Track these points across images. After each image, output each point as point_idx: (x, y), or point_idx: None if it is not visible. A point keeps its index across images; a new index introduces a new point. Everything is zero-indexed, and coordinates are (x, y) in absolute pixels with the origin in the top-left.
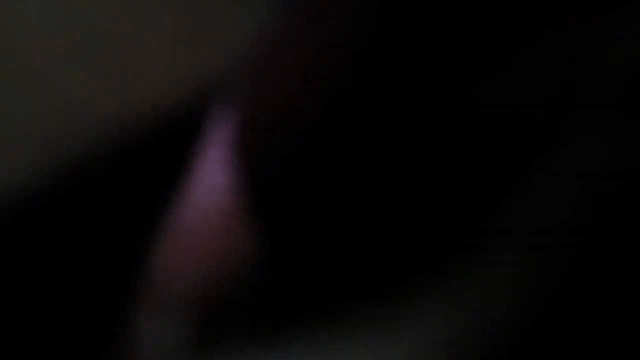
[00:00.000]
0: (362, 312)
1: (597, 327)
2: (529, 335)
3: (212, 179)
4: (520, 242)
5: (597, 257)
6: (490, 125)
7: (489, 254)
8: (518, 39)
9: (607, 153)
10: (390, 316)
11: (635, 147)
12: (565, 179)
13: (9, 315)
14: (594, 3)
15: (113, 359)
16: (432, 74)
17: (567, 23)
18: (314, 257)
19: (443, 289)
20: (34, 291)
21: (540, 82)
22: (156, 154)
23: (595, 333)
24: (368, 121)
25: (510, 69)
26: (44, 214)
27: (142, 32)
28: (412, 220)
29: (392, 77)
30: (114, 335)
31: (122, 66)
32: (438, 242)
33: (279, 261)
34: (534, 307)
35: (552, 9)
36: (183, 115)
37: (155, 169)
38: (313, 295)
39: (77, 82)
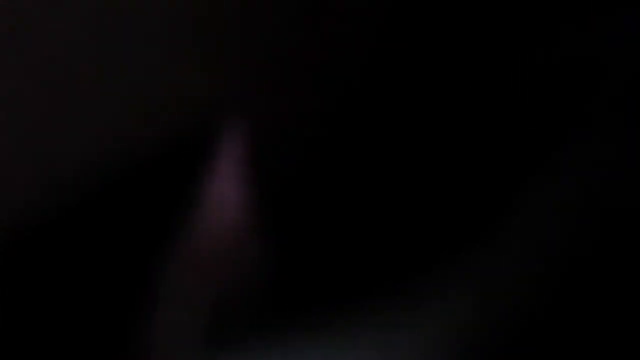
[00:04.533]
0: (367, 311)
1: (597, 326)
2: (530, 333)
3: (224, 192)
4: (522, 241)
5: (597, 257)
6: (491, 126)
7: (491, 253)
8: (520, 41)
9: (607, 154)
10: (394, 315)
11: (635, 149)
12: (566, 180)
13: (32, 313)
14: (594, 6)
15: (132, 349)
16: (434, 77)
17: (568, 26)
18: (323, 266)
19: (446, 288)
20: (61, 289)
21: (541, 83)
22: (169, 169)
23: (594, 332)
24: (377, 131)
25: (512, 71)
26: (66, 224)
27: (152, 47)
28: (417, 222)
29: (399, 84)
30: (133, 327)
31: (132, 82)
32: (442, 242)
33: (289, 270)
34: (535, 306)
35: (552, 12)
36: (196, 130)
37: (169, 184)
38: (321, 299)
39: (89, 97)
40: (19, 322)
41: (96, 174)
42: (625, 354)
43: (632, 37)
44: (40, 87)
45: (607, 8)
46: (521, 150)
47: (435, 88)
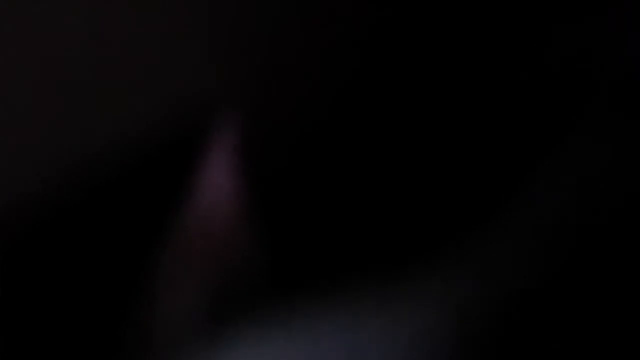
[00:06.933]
0: (364, 296)
1: (594, 322)
2: (530, 320)
3: (217, 181)
4: (520, 238)
5: (595, 255)
6: (490, 125)
7: (490, 248)
8: (517, 41)
9: (606, 153)
10: (392, 300)
11: (635, 148)
12: (565, 179)
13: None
14: (593, 4)
15: (132, 330)
16: (431, 74)
17: (567, 24)
18: (318, 255)
19: (445, 275)
20: (65, 276)
21: (540, 82)
22: (162, 161)
23: (592, 329)
24: (371, 121)
25: (510, 69)
26: (63, 215)
27: (147, 44)
28: (411, 211)
29: (393, 78)
30: (133, 309)
31: (127, 77)
32: (440, 229)
33: (282, 260)
34: (530, 302)
35: (552, 10)
36: (189, 120)
37: (162, 176)
38: (316, 287)
39: (85, 88)
40: (15, 318)
41: (91, 168)
42: (623, 350)
43: (630, 36)
44: (40, 86)
45: (605, 7)
46: (520, 147)
47: (432, 85)
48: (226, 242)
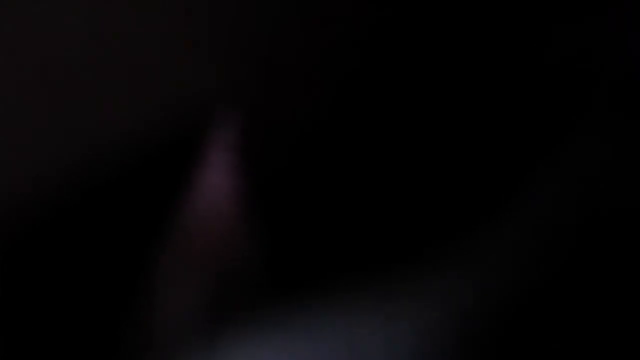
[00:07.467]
0: (364, 294)
1: (594, 322)
2: (530, 318)
3: (217, 181)
4: (520, 238)
5: (595, 255)
6: (490, 125)
7: (490, 248)
8: (517, 41)
9: (606, 153)
10: (393, 299)
11: (635, 148)
12: (565, 179)
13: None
14: (593, 4)
15: (132, 330)
16: (432, 74)
17: (567, 24)
18: (316, 257)
19: (445, 274)
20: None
21: (540, 83)
22: (162, 160)
23: (592, 329)
24: (370, 121)
25: (510, 69)
26: (63, 215)
27: (147, 43)
28: (411, 211)
29: (395, 77)
30: (133, 309)
31: (127, 77)
32: (440, 227)
33: (281, 260)
34: (530, 302)
35: (552, 10)
36: (189, 120)
37: (162, 175)
38: (315, 287)
39: (86, 94)
40: (15, 318)
41: (91, 168)
42: (623, 350)
43: (630, 36)
44: (40, 86)
45: (605, 7)
46: (520, 147)
47: (432, 85)
48: (226, 242)
